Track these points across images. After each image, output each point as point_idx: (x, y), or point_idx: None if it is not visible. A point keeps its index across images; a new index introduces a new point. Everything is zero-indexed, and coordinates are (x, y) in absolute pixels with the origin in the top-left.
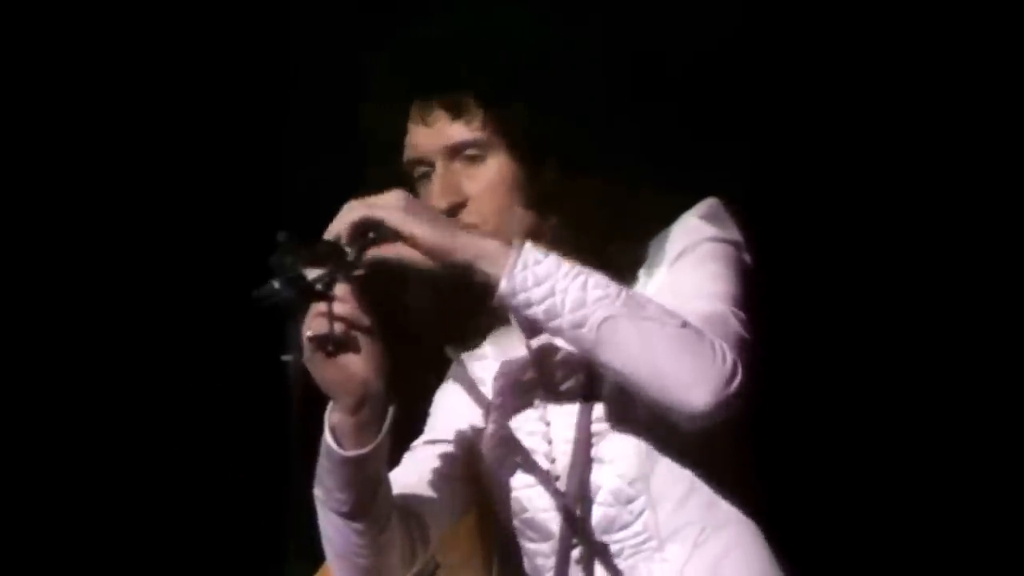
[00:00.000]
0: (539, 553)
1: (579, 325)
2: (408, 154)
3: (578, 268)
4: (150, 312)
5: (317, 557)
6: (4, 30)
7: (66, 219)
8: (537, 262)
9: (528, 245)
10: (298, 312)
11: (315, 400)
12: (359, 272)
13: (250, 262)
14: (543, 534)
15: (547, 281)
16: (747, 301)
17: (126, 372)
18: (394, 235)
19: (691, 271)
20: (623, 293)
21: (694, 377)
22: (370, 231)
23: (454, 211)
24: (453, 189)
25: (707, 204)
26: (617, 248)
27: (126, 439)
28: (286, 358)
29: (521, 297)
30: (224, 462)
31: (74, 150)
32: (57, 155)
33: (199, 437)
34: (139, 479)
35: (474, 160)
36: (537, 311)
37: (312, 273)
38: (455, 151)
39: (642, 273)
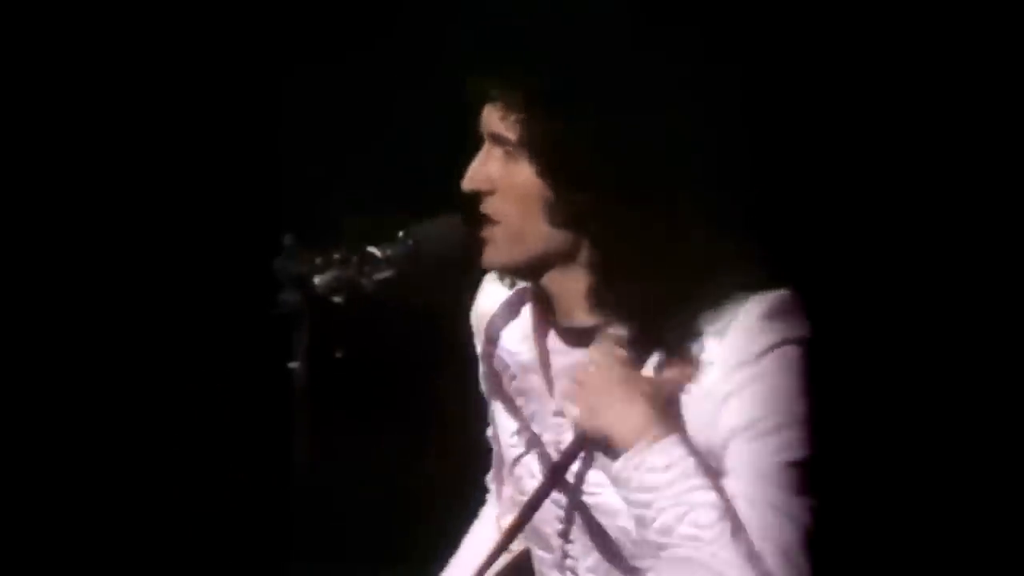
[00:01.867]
0: (543, 562)
1: (661, 548)
2: (480, 122)
3: (687, 492)
4: (150, 313)
5: (317, 558)
6: (4, 31)
7: (66, 219)
8: (652, 469)
9: (657, 447)
10: (304, 319)
11: (319, 405)
12: (368, 288)
13: (252, 261)
14: (543, 545)
15: (651, 492)
16: (808, 410)
17: (126, 373)
18: None
19: (747, 418)
20: (718, 535)
21: None
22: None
23: (477, 198)
24: (484, 176)
25: (774, 298)
26: (656, 297)
27: (127, 440)
28: (292, 365)
29: (622, 492)
30: (224, 462)
31: (73, 150)
32: (56, 155)
33: (200, 439)
34: (139, 480)
35: (510, 156)
36: (632, 510)
37: (318, 279)
38: (496, 139)
39: (693, 347)
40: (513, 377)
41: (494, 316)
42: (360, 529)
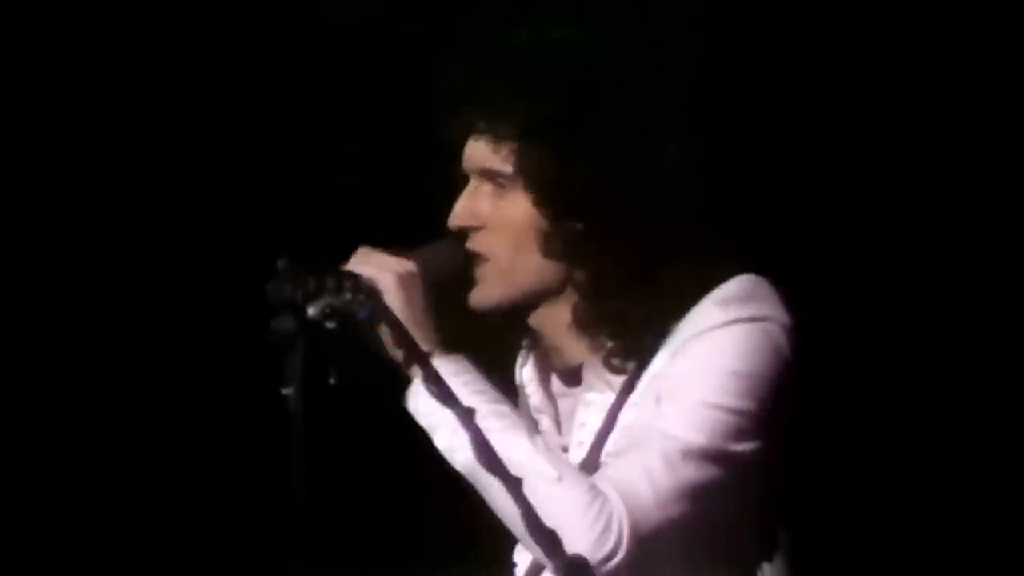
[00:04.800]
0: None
1: (449, 459)
2: (461, 159)
3: (466, 406)
4: (151, 315)
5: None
6: (4, 30)
7: (66, 219)
8: (426, 398)
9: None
10: (297, 344)
11: (315, 429)
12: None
13: (250, 266)
14: None
15: (432, 417)
16: (751, 389)
17: (127, 375)
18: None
19: (676, 384)
20: (497, 435)
21: (552, 545)
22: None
23: (465, 234)
24: (472, 211)
25: (736, 282)
26: (642, 320)
27: (128, 441)
28: (286, 391)
29: (412, 413)
30: (224, 470)
31: (73, 150)
32: (56, 156)
33: (200, 442)
34: (140, 480)
35: (501, 190)
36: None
37: (312, 308)
38: (485, 174)
39: (660, 354)
40: (534, 420)
41: (520, 358)
42: (357, 553)
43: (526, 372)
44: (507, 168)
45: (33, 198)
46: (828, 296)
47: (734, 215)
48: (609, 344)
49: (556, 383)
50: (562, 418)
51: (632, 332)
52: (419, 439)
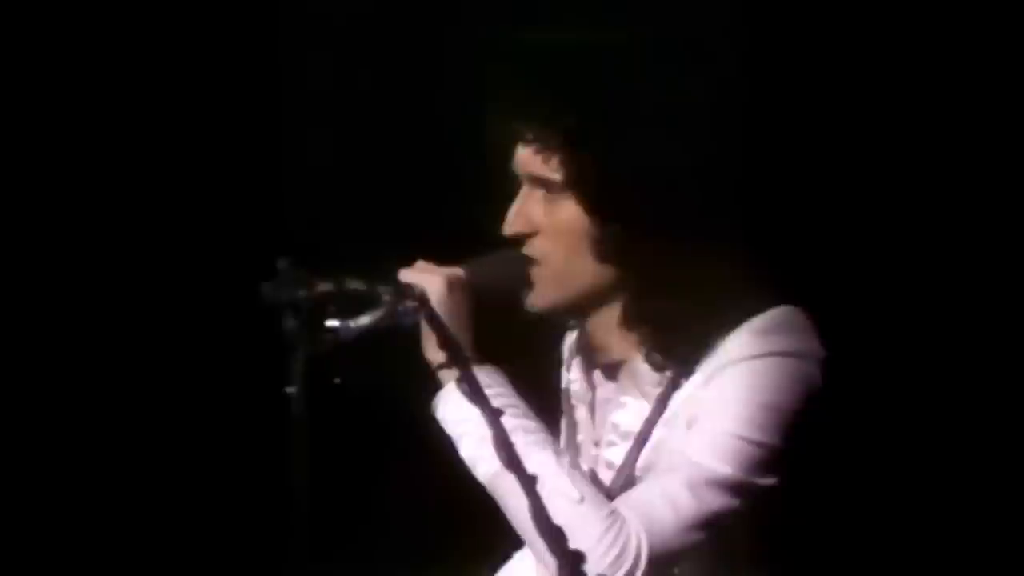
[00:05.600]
0: None
1: (472, 468)
2: (512, 162)
3: (487, 419)
4: (150, 313)
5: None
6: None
7: (63, 230)
8: (456, 406)
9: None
10: (300, 343)
11: (317, 429)
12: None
13: (249, 265)
14: None
15: (460, 425)
16: (780, 425)
17: (126, 374)
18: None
19: (708, 411)
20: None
21: (568, 562)
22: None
23: (520, 240)
24: (525, 218)
25: (774, 313)
26: (684, 323)
27: (128, 441)
28: (289, 390)
29: (440, 419)
30: (225, 469)
31: (71, 150)
32: (56, 156)
33: (200, 441)
34: (140, 481)
35: (552, 196)
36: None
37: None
38: (536, 181)
39: (695, 376)
40: (572, 407)
41: (568, 347)
42: (358, 551)
43: (573, 362)
44: (556, 176)
45: (34, 197)
46: (858, 321)
47: (769, 221)
48: (651, 343)
49: (598, 375)
50: (597, 410)
51: (674, 334)
52: (422, 441)
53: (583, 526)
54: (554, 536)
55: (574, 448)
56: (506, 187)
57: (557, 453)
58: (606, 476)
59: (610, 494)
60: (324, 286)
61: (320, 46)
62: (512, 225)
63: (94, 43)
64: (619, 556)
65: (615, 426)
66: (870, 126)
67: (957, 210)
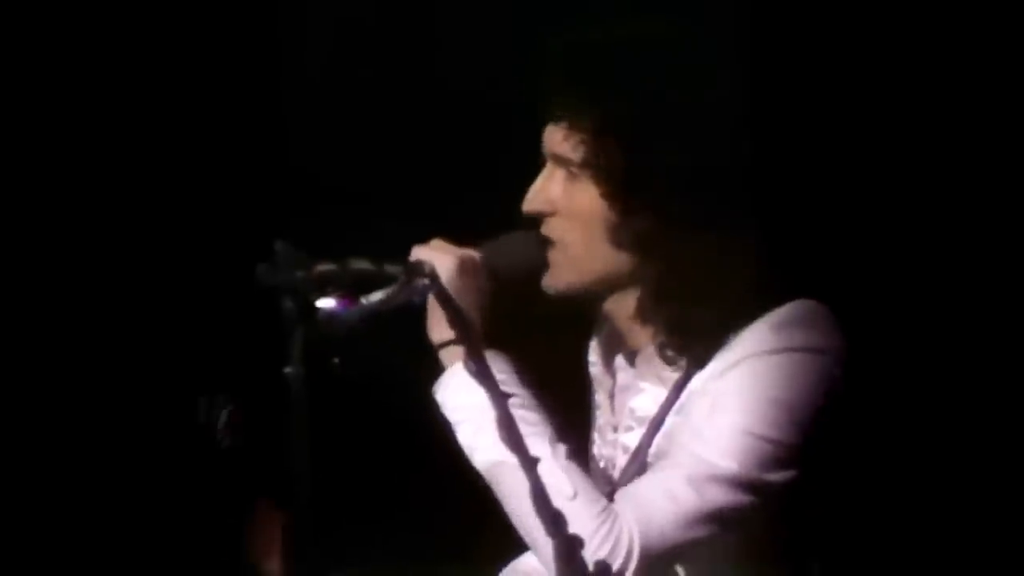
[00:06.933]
0: None
1: (469, 455)
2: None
3: (488, 408)
4: (150, 310)
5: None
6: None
7: (60, 222)
8: (457, 391)
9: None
10: (298, 324)
11: (316, 410)
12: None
13: (247, 255)
14: None
15: (459, 412)
16: (793, 420)
17: (126, 373)
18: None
19: (719, 404)
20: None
21: (562, 554)
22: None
23: (537, 219)
24: (545, 197)
25: (793, 307)
26: (700, 317)
27: (128, 441)
28: (288, 370)
29: (440, 403)
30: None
31: (71, 139)
32: (55, 144)
33: (195, 446)
34: (140, 481)
35: (573, 178)
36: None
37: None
38: (558, 160)
39: (710, 366)
40: (594, 390)
41: (595, 329)
42: (357, 533)
43: (595, 345)
44: (576, 156)
45: (31, 185)
46: (876, 317)
47: (790, 215)
48: (665, 335)
49: (620, 360)
50: (617, 395)
51: (688, 327)
52: (421, 425)
53: (574, 522)
54: (550, 526)
55: (599, 431)
56: (516, 177)
57: (554, 446)
58: (623, 460)
59: (625, 478)
60: (325, 267)
61: (323, 27)
62: (531, 202)
63: (89, 22)
64: (611, 552)
65: (632, 411)
66: (894, 120)
67: (981, 207)
